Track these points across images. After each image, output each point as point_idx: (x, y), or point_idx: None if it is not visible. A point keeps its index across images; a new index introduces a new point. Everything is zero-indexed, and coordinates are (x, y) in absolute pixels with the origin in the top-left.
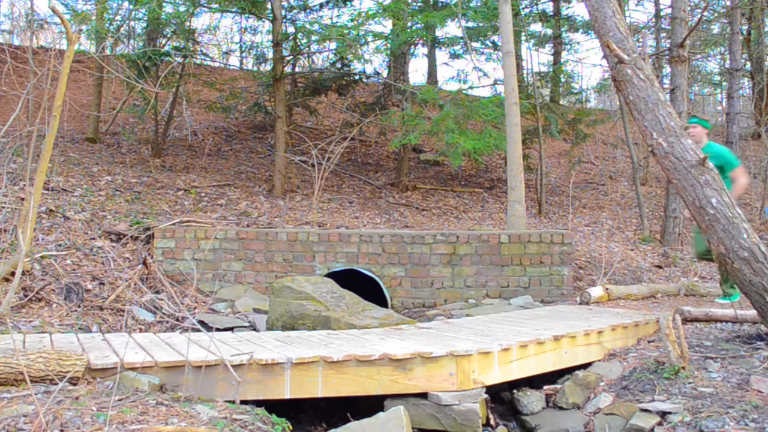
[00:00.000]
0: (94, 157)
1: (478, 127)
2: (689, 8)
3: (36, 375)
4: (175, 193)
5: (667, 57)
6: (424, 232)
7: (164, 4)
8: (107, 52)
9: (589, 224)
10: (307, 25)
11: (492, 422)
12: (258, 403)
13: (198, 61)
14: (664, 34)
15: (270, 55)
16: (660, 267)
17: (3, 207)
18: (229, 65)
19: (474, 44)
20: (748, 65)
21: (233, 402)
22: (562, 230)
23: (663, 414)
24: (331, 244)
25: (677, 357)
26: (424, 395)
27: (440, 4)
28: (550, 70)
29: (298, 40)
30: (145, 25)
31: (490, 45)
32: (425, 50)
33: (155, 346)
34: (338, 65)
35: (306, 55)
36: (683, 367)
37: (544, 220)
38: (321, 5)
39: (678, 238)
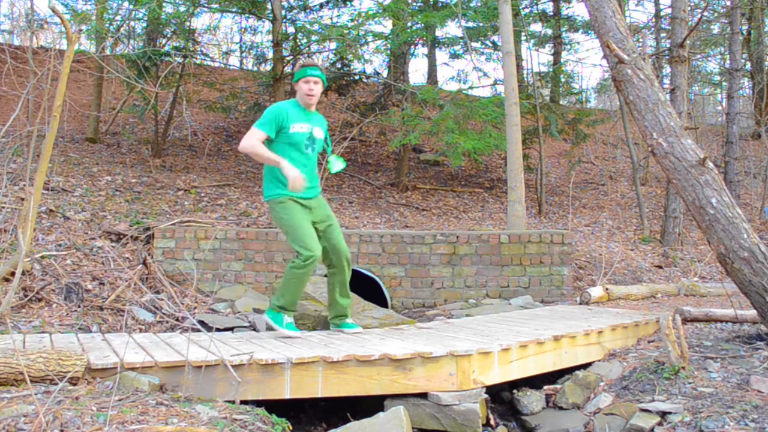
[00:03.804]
0: (94, 157)
1: (478, 127)
2: (689, 8)
3: (36, 375)
4: (175, 193)
5: (667, 57)
6: (424, 232)
7: (164, 4)
8: (107, 52)
9: (589, 224)
10: (307, 25)
11: (492, 422)
12: (258, 403)
13: (198, 61)
14: (664, 34)
15: (270, 55)
16: (660, 267)
17: (3, 207)
18: (229, 65)
19: (474, 44)
20: (748, 65)
21: (233, 402)
22: (562, 230)
23: (663, 414)
24: None
25: (677, 357)
26: (424, 395)
27: (440, 4)
28: (550, 70)
29: (298, 40)
30: (145, 25)
31: (490, 45)
32: (425, 50)
33: (155, 346)
34: (338, 65)
35: (306, 55)
36: (683, 367)
37: (544, 220)
38: (321, 5)
39: (678, 238)
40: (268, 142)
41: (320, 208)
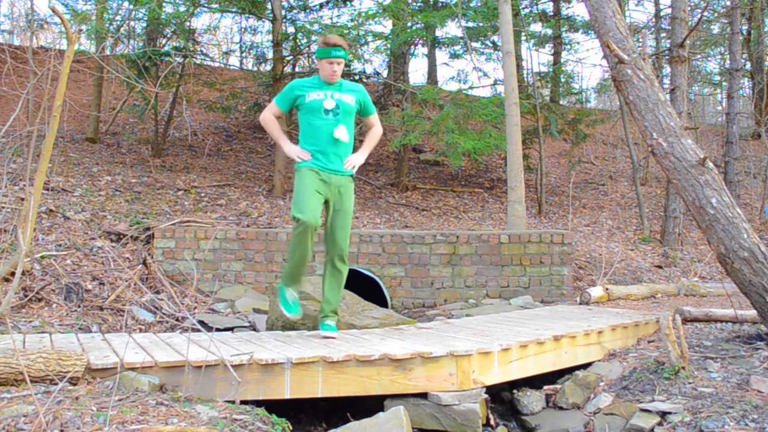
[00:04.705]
0: (94, 157)
1: (478, 127)
2: (689, 8)
3: (36, 375)
4: (175, 193)
5: (667, 57)
6: (424, 232)
7: (164, 4)
8: (107, 52)
9: (589, 224)
10: (307, 25)
11: (492, 422)
12: (258, 403)
13: (198, 61)
14: (664, 34)
15: (270, 55)
16: (660, 267)
17: (3, 207)
18: (229, 65)
19: (474, 44)
20: (748, 65)
21: (233, 402)
22: (562, 230)
23: (663, 414)
24: None
25: (677, 357)
26: (424, 395)
27: (440, 4)
28: (550, 70)
29: (298, 40)
30: (145, 25)
31: (490, 45)
32: (425, 50)
33: (155, 346)
34: None
35: (306, 55)
36: (683, 367)
37: (544, 220)
38: (321, 5)
39: (678, 238)
40: (299, 113)
41: (338, 192)
